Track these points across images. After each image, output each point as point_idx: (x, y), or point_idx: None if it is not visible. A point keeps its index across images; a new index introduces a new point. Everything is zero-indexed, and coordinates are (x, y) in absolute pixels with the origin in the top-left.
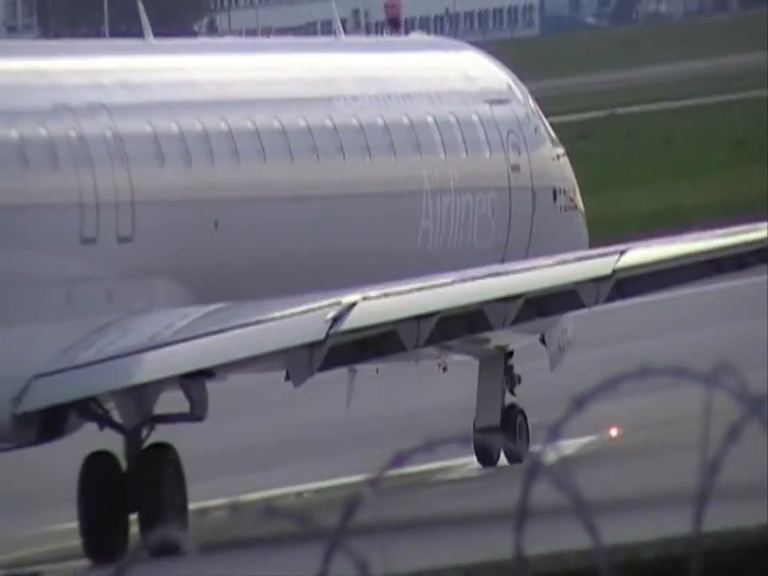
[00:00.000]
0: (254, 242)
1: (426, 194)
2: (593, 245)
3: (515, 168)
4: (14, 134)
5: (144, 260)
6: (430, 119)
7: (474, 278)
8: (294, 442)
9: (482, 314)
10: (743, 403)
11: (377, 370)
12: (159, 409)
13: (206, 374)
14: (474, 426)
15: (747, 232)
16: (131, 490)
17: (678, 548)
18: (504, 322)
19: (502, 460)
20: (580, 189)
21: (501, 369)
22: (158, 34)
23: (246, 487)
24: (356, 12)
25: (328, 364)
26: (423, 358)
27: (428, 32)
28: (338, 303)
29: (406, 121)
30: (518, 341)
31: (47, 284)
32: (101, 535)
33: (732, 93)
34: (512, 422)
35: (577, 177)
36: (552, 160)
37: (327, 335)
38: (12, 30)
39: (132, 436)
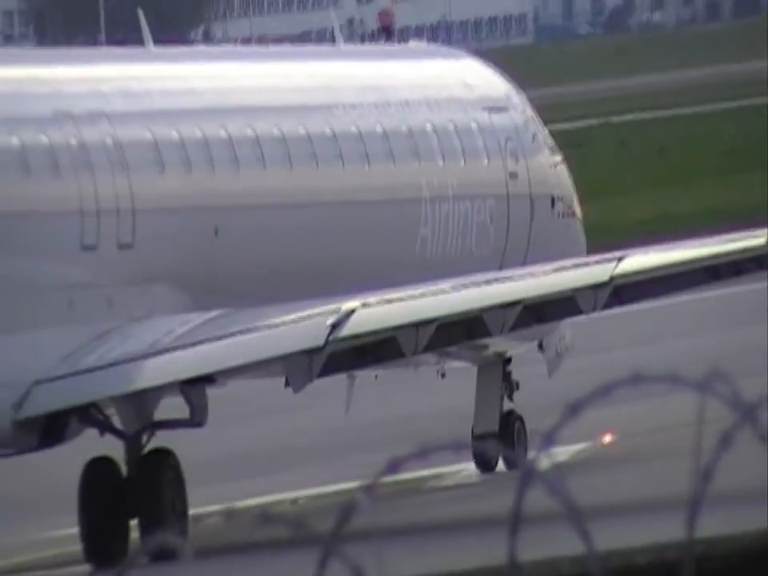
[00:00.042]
0: (253, 249)
1: (425, 201)
2: (588, 252)
3: (513, 175)
4: (15, 141)
5: (144, 267)
6: (428, 127)
7: (472, 285)
8: (294, 448)
9: (481, 320)
10: (736, 410)
11: (376, 377)
12: (159, 415)
13: (207, 380)
14: (472, 432)
15: (745, 239)
16: (132, 496)
17: (671, 554)
18: (502, 328)
19: (501, 466)
20: None
21: (499, 375)
22: (156, 42)
23: (246, 493)
24: (351, 21)
25: (327, 370)
26: (422, 364)
27: (423, 40)
28: (338, 310)
29: (404, 128)
30: (517, 347)
31: (48, 290)
32: (101, 540)
33: (725, 101)
34: (510, 428)
35: None
36: (550, 167)
37: (326, 342)
38: (9, 39)
39: (132, 442)
